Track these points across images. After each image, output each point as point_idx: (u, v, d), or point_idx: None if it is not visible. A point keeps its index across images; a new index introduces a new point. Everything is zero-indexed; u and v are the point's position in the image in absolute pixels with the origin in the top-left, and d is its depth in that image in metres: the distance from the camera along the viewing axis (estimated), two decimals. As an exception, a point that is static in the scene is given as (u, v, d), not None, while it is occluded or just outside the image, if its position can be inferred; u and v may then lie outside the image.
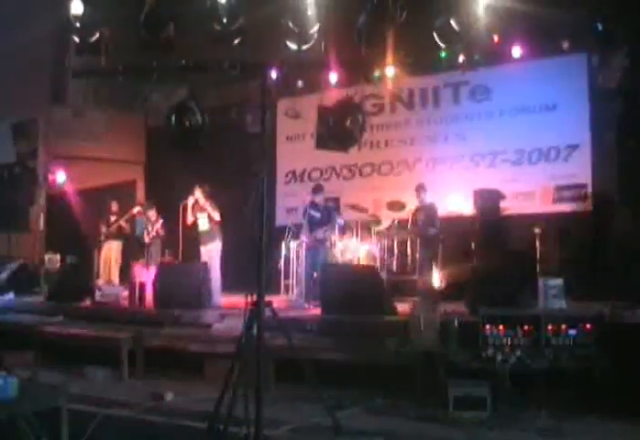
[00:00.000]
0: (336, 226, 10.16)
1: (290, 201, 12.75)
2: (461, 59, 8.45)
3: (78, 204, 13.19)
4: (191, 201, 9.84)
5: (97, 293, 10.03)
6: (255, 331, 4.77)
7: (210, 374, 7.02)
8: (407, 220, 10.71)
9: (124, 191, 14.25)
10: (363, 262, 10.43)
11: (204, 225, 9.93)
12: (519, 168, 11.27)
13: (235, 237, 9.85)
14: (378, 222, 11.17)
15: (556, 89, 10.93)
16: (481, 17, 7.57)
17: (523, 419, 5.45)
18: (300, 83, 12.47)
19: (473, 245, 9.54)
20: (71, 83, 14.21)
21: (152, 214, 11.81)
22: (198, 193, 9.83)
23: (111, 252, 12.58)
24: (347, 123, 7.29)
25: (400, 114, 12.64)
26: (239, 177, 11.39)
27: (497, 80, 11.46)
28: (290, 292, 10.61)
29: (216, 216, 9.84)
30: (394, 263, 10.91)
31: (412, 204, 10.86)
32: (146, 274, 10.42)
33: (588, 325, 5.97)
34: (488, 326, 6.06)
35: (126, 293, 9.95)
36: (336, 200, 12.34)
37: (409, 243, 10.77)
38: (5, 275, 11.68)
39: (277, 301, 6.51)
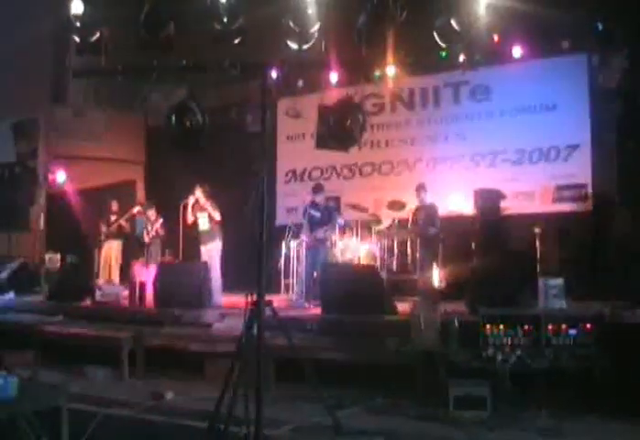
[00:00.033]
0: (337, 226, 10.16)
1: (290, 200, 12.75)
2: (462, 58, 8.41)
3: (78, 204, 13.20)
4: (191, 200, 9.85)
5: (97, 293, 10.02)
6: (255, 330, 4.78)
7: (210, 373, 7.03)
8: (407, 220, 10.72)
9: (124, 190, 14.25)
10: (363, 262, 10.43)
11: (204, 224, 9.93)
12: (519, 167, 11.27)
13: (235, 237, 9.85)
14: (378, 221, 11.16)
15: (556, 89, 10.94)
16: (482, 17, 7.56)
17: (523, 419, 5.46)
18: (300, 83, 12.49)
19: (473, 244, 9.54)
20: (72, 83, 14.23)
21: (152, 213, 11.81)
22: (198, 193, 9.83)
23: (111, 252, 12.59)
24: (348, 122, 7.27)
25: (400, 113, 12.65)
26: (240, 176, 11.39)
27: (497, 80, 11.47)
28: (290, 292, 10.61)
29: (217, 216, 9.84)
30: (394, 263, 10.92)
31: (412, 204, 10.86)
32: (146, 273, 10.42)
33: (588, 325, 5.97)
34: (488, 326, 6.07)
35: (126, 293, 9.96)
36: (337, 199, 12.36)
37: (409, 243, 10.77)
38: (5, 274, 11.70)
39: (277, 300, 6.51)
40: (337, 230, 10.22)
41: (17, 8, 12.83)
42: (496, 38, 7.96)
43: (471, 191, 10.05)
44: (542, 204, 10.98)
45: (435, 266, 9.84)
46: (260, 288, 4.86)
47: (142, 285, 9.62)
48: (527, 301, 7.08)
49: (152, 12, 7.70)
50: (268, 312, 4.99)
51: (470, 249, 9.50)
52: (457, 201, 11.03)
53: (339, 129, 7.40)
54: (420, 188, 10.39)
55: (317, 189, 10.18)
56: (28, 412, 4.12)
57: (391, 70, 9.75)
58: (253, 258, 4.90)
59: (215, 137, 8.53)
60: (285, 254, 10.96)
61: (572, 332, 5.98)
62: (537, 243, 9.34)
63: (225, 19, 7.83)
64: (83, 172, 13.60)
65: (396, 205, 11.63)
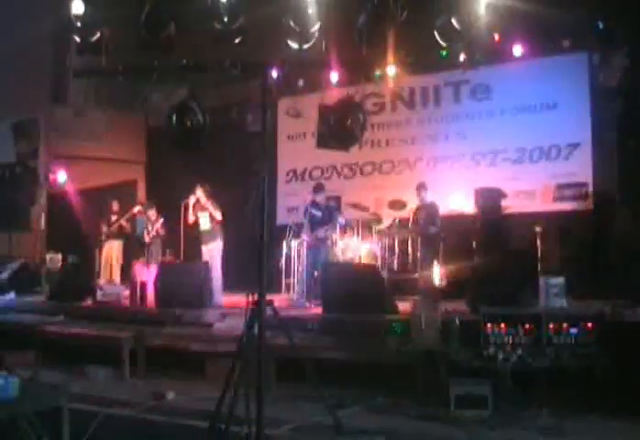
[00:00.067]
0: (338, 225, 10.17)
1: (291, 200, 12.74)
2: (462, 58, 8.42)
3: (79, 204, 13.20)
4: (192, 200, 9.84)
5: (98, 293, 10.02)
6: (256, 330, 4.78)
7: (211, 373, 7.03)
8: (408, 219, 10.72)
9: (125, 190, 14.26)
10: (364, 261, 10.43)
11: (205, 224, 9.92)
12: (520, 166, 11.27)
13: (236, 237, 9.85)
14: (379, 221, 11.16)
15: (556, 88, 10.93)
16: (482, 16, 7.56)
17: (524, 417, 5.46)
18: (301, 82, 12.49)
19: (474, 243, 9.53)
20: (72, 83, 14.23)
21: (152, 213, 11.81)
22: (199, 193, 9.83)
23: (112, 251, 12.59)
24: (348, 122, 7.28)
25: (401, 113, 12.64)
26: (240, 176, 11.39)
27: (498, 79, 11.46)
28: (291, 291, 10.60)
29: (218, 216, 9.84)
30: (395, 262, 10.92)
31: (413, 203, 10.86)
32: (147, 273, 10.42)
33: (589, 324, 5.97)
34: (489, 325, 6.07)
35: (127, 293, 9.95)
36: (338, 199, 12.35)
37: (410, 242, 10.76)
38: (6, 275, 11.69)
39: (278, 300, 6.50)
40: (338, 229, 10.23)
41: (17, 8, 12.83)
42: (496, 37, 7.96)
43: (472, 190, 10.04)
44: (543, 203, 10.97)
45: (435, 265, 9.84)
46: (261, 287, 4.86)
47: (143, 285, 9.62)
48: (528, 299, 7.08)
49: (153, 12, 7.71)
50: (269, 311, 4.99)
51: (471, 248, 9.49)
52: (457, 200, 11.03)
53: (340, 129, 7.41)
54: (420, 187, 10.39)
55: (318, 188, 10.19)
56: (29, 413, 4.12)
57: (391, 69, 9.75)
58: (254, 258, 4.90)
59: (216, 136, 8.54)
60: (286, 253, 10.96)
61: (573, 331, 5.98)
62: (538, 242, 9.33)
63: (225, 19, 7.84)
64: (84, 172, 13.60)
65: (397, 205, 11.63)
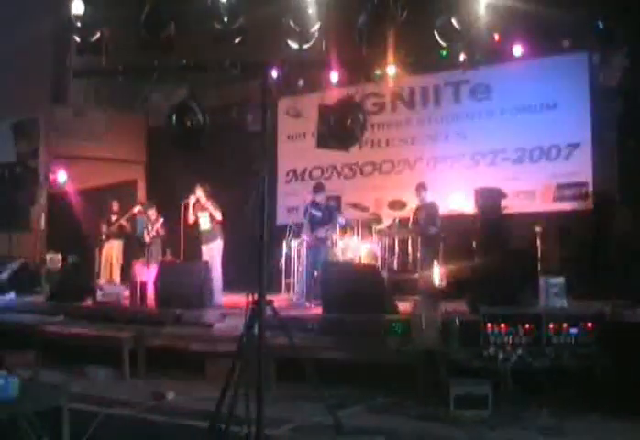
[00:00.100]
0: (338, 225, 10.17)
1: (291, 200, 12.74)
2: (462, 57, 8.42)
3: (79, 204, 13.20)
4: (192, 200, 9.84)
5: (98, 293, 10.03)
6: (256, 330, 4.78)
7: (211, 373, 7.03)
8: (408, 219, 10.72)
9: (125, 190, 14.26)
10: (364, 261, 10.42)
11: (205, 224, 9.92)
12: (520, 166, 11.27)
13: (236, 237, 9.85)
14: (379, 221, 11.17)
15: (556, 88, 10.93)
16: (482, 16, 7.57)
17: (524, 417, 5.46)
18: (301, 82, 12.49)
19: (474, 243, 9.52)
20: (72, 83, 14.23)
21: (152, 213, 11.81)
22: (199, 193, 9.82)
23: (112, 251, 12.60)
24: (348, 122, 7.27)
25: (401, 113, 12.65)
26: (240, 176, 11.38)
27: (498, 78, 11.46)
28: (291, 291, 10.60)
29: (218, 216, 9.84)
30: (395, 262, 10.93)
31: (413, 203, 10.87)
32: (147, 273, 10.42)
33: (589, 324, 5.98)
34: (489, 325, 6.07)
35: (127, 293, 9.96)
36: (338, 199, 12.35)
37: (410, 242, 10.77)
38: (6, 275, 11.69)
39: (278, 300, 6.50)
40: (338, 229, 10.23)
41: (17, 8, 12.83)
42: (496, 37, 7.96)
43: (472, 190, 10.01)
44: (543, 203, 10.97)
45: (435, 265, 9.84)
46: (261, 287, 4.86)
47: (143, 285, 9.62)
48: (528, 299, 7.08)
49: (153, 12, 7.71)
50: (269, 311, 4.99)
51: (471, 248, 9.48)
52: (457, 200, 11.03)
53: (340, 129, 7.41)
54: (420, 187, 10.39)
55: (318, 188, 10.19)
56: (29, 413, 4.11)
57: (391, 69, 9.74)
58: (254, 258, 4.90)
59: (216, 136, 8.53)
60: (286, 253, 10.95)
61: (573, 331, 5.99)
62: (538, 242, 9.34)
63: (225, 19, 7.84)
64: (84, 172, 13.61)
65: (397, 205, 11.65)
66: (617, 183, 10.31)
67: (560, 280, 7.22)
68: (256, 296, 4.84)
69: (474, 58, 8.12)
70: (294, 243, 10.68)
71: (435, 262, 9.87)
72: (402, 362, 6.32)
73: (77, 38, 8.00)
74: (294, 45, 7.91)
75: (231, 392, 4.71)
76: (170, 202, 10.93)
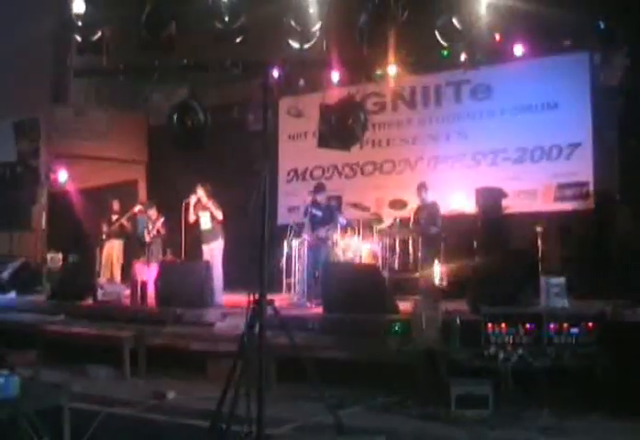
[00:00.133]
0: (338, 225, 10.17)
1: (292, 199, 12.73)
2: (463, 57, 8.43)
3: (80, 203, 13.21)
4: (193, 199, 9.83)
5: (99, 292, 10.03)
6: (257, 330, 4.77)
7: (212, 373, 7.03)
8: (409, 218, 10.72)
9: (125, 190, 14.25)
10: (365, 261, 10.43)
11: (206, 223, 9.91)
12: (521, 166, 11.27)
13: (237, 236, 9.82)
14: (380, 220, 11.17)
15: (557, 87, 10.93)
16: (483, 16, 7.58)
17: (525, 417, 5.45)
18: (302, 82, 12.46)
19: (475, 243, 9.53)
20: (73, 83, 14.22)
21: (153, 212, 11.79)
22: (200, 192, 9.81)
23: (113, 251, 12.59)
24: (349, 121, 7.30)
25: (402, 112, 12.64)
26: (241, 176, 11.37)
27: (499, 78, 11.46)
28: (292, 291, 10.59)
29: (219, 215, 9.83)
30: (396, 261, 10.91)
31: (413, 203, 10.87)
32: (147, 273, 10.42)
33: (589, 324, 5.97)
34: (490, 325, 6.06)
35: (127, 292, 9.97)
36: (338, 198, 12.34)
37: (411, 241, 10.75)
38: (7, 274, 11.69)
39: (279, 299, 6.49)
40: (339, 229, 10.22)
41: (17, 8, 12.83)
42: (497, 36, 7.98)
43: (473, 189, 10.04)
44: (543, 203, 10.97)
45: (436, 265, 9.84)
46: (262, 287, 4.86)
47: (144, 284, 9.63)
48: (529, 299, 7.08)
49: (154, 12, 7.72)
50: (269, 311, 4.98)
51: (472, 248, 9.49)
52: (458, 199, 11.03)
53: (341, 128, 7.43)
54: (421, 187, 10.38)
55: (319, 188, 10.18)
56: (30, 412, 4.12)
57: (392, 69, 9.76)
58: (255, 258, 4.90)
59: (217, 136, 8.56)
60: (287, 253, 10.95)
61: (574, 330, 5.98)
62: (539, 241, 9.33)
63: (226, 18, 7.85)
64: (85, 172, 13.61)
65: (398, 204, 11.64)
66: (618, 183, 10.30)
67: (561, 279, 7.21)
68: (257, 296, 4.84)
69: (475, 57, 8.14)
70: (295, 243, 10.67)
71: (436, 262, 9.87)
72: (402, 362, 6.32)
73: (78, 38, 8.02)
74: (295, 44, 7.93)
75: (232, 392, 4.70)
76: (170, 201, 10.92)
